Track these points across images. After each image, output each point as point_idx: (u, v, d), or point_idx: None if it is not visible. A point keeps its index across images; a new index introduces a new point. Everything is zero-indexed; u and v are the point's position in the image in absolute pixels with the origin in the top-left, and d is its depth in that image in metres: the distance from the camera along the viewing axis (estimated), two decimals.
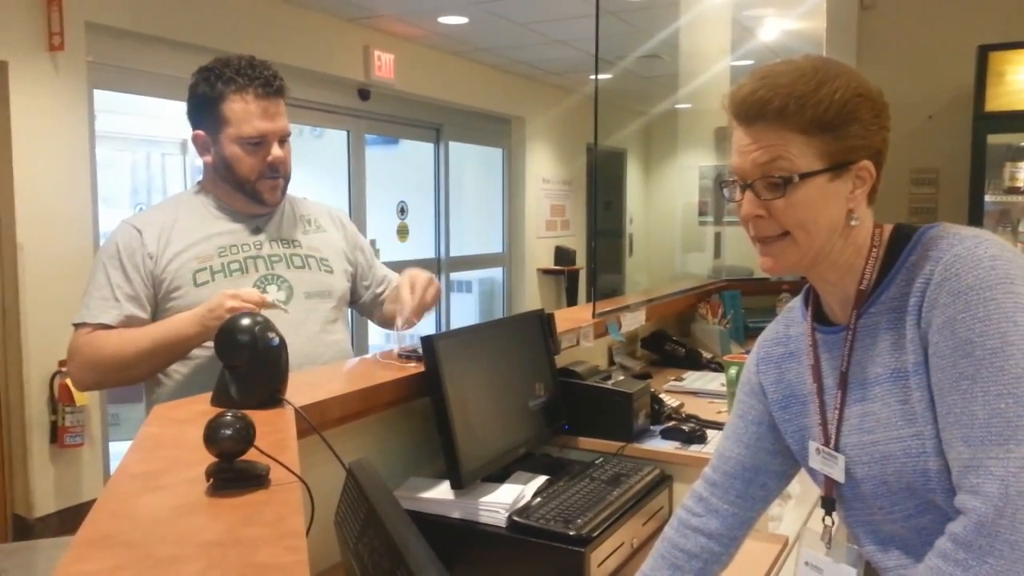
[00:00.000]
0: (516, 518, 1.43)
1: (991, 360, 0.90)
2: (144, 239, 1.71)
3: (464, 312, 7.87)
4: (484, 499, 1.48)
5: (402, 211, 7.12)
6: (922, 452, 0.97)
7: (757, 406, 1.22)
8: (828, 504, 1.14)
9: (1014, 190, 3.87)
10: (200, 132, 1.78)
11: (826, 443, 1.10)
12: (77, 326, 1.70)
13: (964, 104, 3.98)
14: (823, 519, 1.16)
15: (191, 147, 1.89)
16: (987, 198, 3.91)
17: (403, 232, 7.11)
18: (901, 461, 0.99)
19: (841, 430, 1.07)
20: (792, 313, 1.21)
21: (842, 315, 1.09)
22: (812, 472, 1.16)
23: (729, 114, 1.05)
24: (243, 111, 1.72)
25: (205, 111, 1.75)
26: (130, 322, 1.68)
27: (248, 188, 1.77)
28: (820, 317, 1.14)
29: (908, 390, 0.99)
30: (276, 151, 1.75)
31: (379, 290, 2.02)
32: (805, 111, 0.98)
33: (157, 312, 1.72)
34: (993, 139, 3.88)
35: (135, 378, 1.73)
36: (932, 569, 0.92)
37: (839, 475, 1.08)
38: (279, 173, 1.78)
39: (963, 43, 3.98)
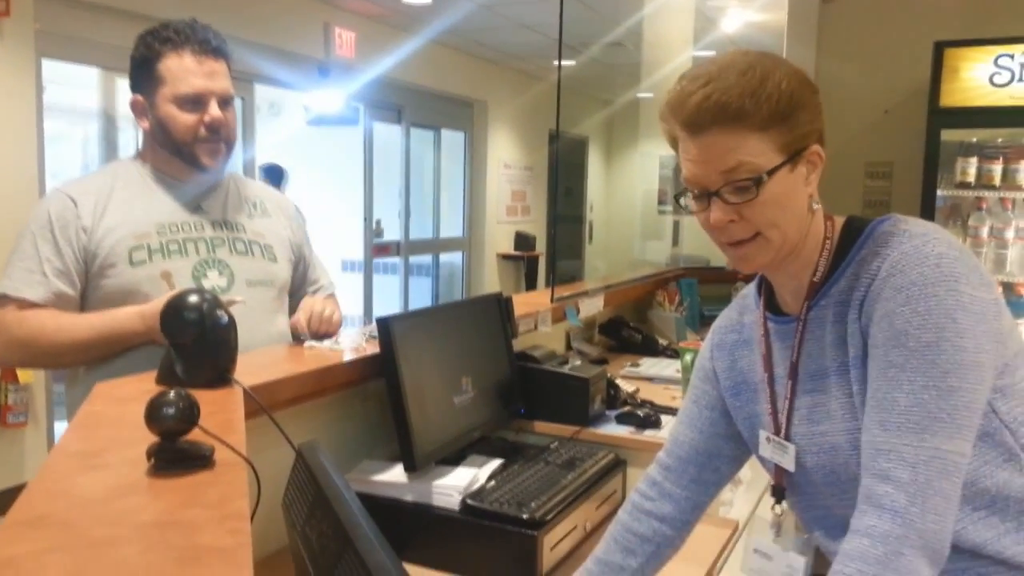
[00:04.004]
0: (469, 501, 1.42)
1: (923, 352, 0.91)
2: (79, 210, 1.61)
3: (422, 296, 7.83)
4: (438, 482, 1.47)
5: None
6: None
7: (711, 392, 1.23)
8: (778, 492, 1.15)
9: (965, 185, 3.94)
10: (139, 97, 1.70)
11: (776, 432, 1.10)
12: None
13: (920, 99, 4.05)
14: (772, 507, 1.17)
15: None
16: (939, 192, 3.98)
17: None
18: (848, 453, 1.00)
19: (792, 420, 1.08)
20: (746, 300, 1.21)
21: (794, 305, 1.09)
22: (762, 460, 1.16)
23: (672, 123, 1.01)
24: (179, 68, 1.64)
25: (142, 73, 1.67)
26: (58, 300, 1.59)
27: (185, 151, 1.67)
28: (772, 306, 1.14)
29: (851, 383, 1.00)
30: (214, 111, 1.66)
31: (310, 289, 1.93)
32: (761, 107, 0.96)
33: (88, 289, 1.63)
34: (947, 134, 3.96)
35: (67, 364, 1.65)
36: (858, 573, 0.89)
37: (789, 464, 1.09)
38: (220, 136, 1.69)
39: (920, 39, 4.04)
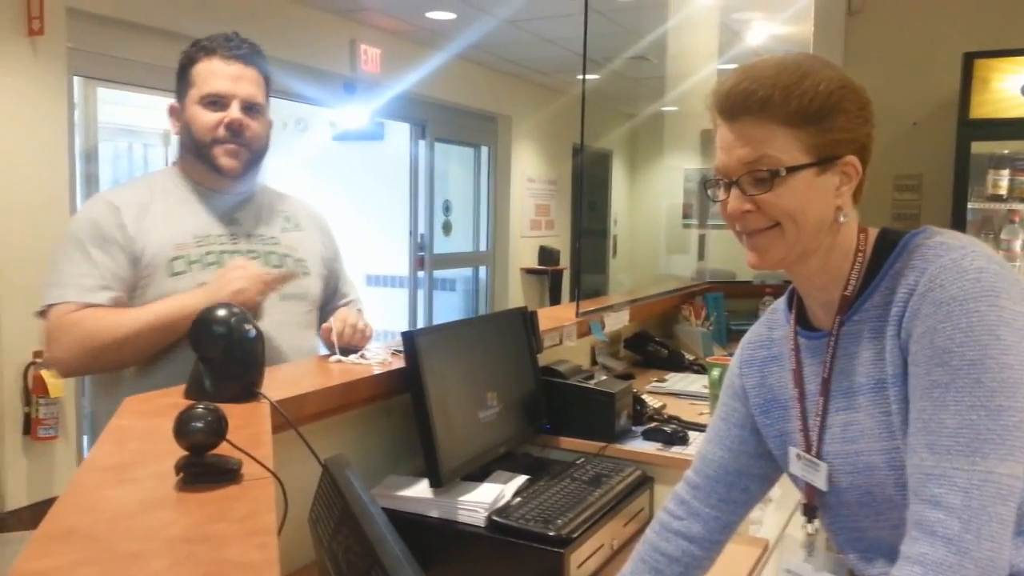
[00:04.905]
0: (495, 518, 1.41)
1: (968, 371, 0.89)
2: (123, 218, 1.62)
3: (447, 311, 7.84)
4: (463, 498, 1.46)
5: (447, 209, 7.32)
6: (904, 465, 0.95)
7: (740, 409, 1.20)
8: (810, 511, 1.13)
9: (996, 197, 3.88)
10: (175, 103, 1.73)
11: (807, 450, 1.08)
12: (52, 306, 1.57)
13: (949, 111, 3.99)
14: (804, 526, 1.15)
15: (174, 137, 1.82)
16: (970, 205, 3.92)
17: (448, 228, 7.50)
18: (885, 473, 0.98)
19: (824, 438, 1.06)
20: (775, 315, 1.19)
21: (826, 320, 1.07)
22: (794, 478, 1.14)
23: (713, 111, 1.03)
24: (206, 71, 1.67)
25: (179, 79, 1.72)
26: (114, 304, 1.58)
27: (205, 151, 1.68)
28: (803, 321, 1.12)
29: (889, 401, 0.98)
30: (235, 112, 1.67)
31: (340, 303, 1.93)
32: (790, 102, 0.96)
33: (128, 297, 1.62)
34: (977, 146, 3.90)
35: (128, 360, 1.61)
36: None
37: (821, 483, 1.06)
38: (240, 139, 1.68)
39: (949, 50, 3.99)
